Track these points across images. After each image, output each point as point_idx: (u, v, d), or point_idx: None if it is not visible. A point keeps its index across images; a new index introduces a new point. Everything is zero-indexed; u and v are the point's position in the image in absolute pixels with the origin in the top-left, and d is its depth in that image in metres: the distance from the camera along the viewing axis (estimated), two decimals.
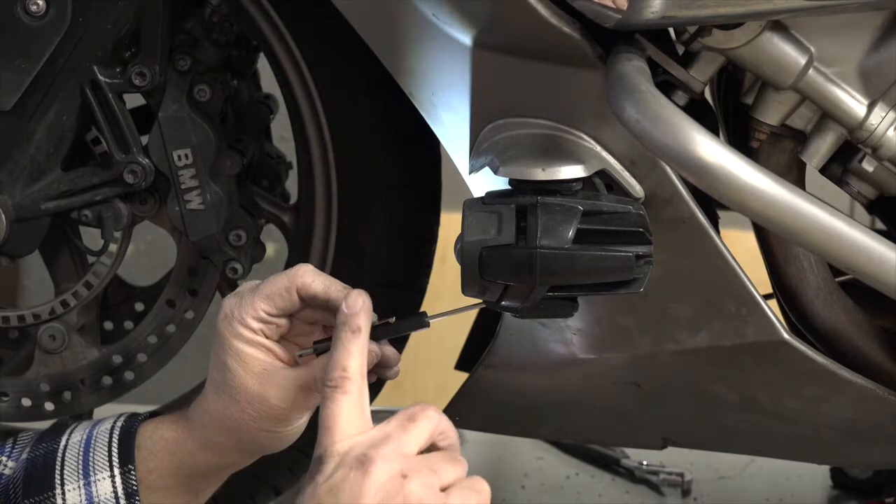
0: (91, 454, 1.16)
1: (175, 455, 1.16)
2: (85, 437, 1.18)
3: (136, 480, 1.15)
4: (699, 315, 1.25)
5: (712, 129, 1.16)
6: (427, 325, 1.16)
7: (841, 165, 1.23)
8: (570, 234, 1.09)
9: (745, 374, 1.29)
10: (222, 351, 1.14)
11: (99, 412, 1.46)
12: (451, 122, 1.25)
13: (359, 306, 1.08)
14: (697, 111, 1.17)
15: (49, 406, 1.49)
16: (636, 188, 1.19)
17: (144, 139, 1.40)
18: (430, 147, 1.41)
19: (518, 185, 1.15)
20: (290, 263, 1.46)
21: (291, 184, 1.54)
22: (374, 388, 1.45)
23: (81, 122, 1.38)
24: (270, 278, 1.15)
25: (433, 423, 1.05)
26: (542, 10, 1.12)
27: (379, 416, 1.96)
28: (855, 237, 1.10)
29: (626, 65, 1.11)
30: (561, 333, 1.31)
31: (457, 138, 1.25)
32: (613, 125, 1.13)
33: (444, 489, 1.01)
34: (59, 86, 1.35)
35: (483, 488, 1.03)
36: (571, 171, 1.15)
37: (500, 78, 1.19)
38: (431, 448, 1.05)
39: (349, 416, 1.04)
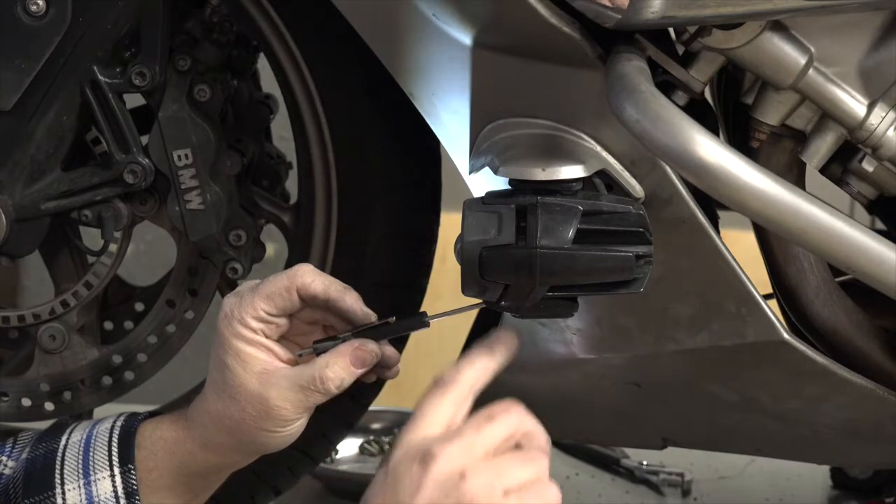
0: (91, 454, 1.16)
1: (175, 455, 1.16)
2: (85, 436, 1.18)
3: (136, 480, 1.15)
4: (699, 315, 1.25)
5: (712, 129, 1.16)
6: (427, 325, 1.17)
7: (841, 165, 1.23)
8: (570, 234, 1.09)
9: (745, 374, 1.29)
10: (222, 351, 1.14)
11: (99, 412, 1.46)
12: (451, 122, 1.25)
13: (506, 340, 1.09)
14: (697, 111, 1.17)
15: (49, 406, 1.49)
16: (636, 188, 1.19)
17: (144, 139, 1.40)
18: (430, 147, 1.41)
19: (518, 185, 1.15)
20: (290, 263, 1.46)
21: (291, 184, 1.54)
22: (374, 388, 1.45)
23: (81, 122, 1.38)
24: (270, 278, 1.15)
25: (513, 424, 1.03)
26: (542, 10, 1.12)
27: (383, 417, 1.96)
28: (855, 237, 1.10)
29: (626, 65, 1.10)
30: (561, 333, 1.31)
31: (457, 138, 1.25)
32: (613, 125, 1.12)
33: (508, 491, 0.99)
34: (59, 86, 1.35)
35: (549, 494, 1.01)
36: (571, 171, 1.15)
37: (500, 78, 1.19)
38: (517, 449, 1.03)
39: (440, 412, 1.03)
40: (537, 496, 1.00)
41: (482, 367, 1.07)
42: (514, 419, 1.03)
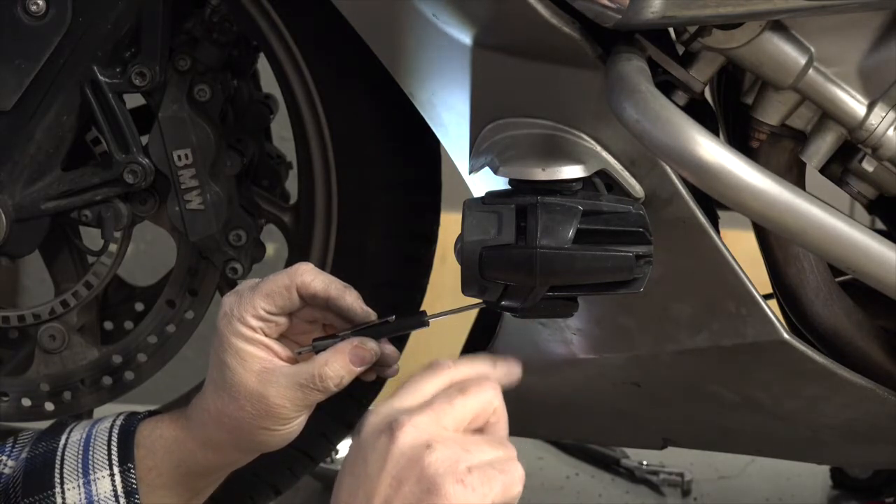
0: (90, 453, 1.16)
1: (174, 454, 1.16)
2: (84, 435, 1.18)
3: (135, 479, 1.15)
4: (699, 315, 1.25)
5: (712, 129, 1.16)
6: (427, 324, 1.17)
7: (841, 165, 1.23)
8: (570, 234, 1.09)
9: (745, 374, 1.29)
10: (221, 349, 1.14)
11: (99, 412, 1.46)
12: (451, 122, 1.25)
13: (511, 364, 1.09)
14: (697, 111, 1.17)
15: (49, 406, 1.49)
16: (636, 188, 1.19)
17: (144, 139, 1.40)
18: (430, 147, 1.41)
19: (518, 185, 1.15)
20: (289, 263, 1.46)
21: (291, 184, 1.54)
22: (375, 387, 1.45)
23: (81, 122, 1.38)
24: (270, 276, 1.15)
25: (484, 400, 1.02)
26: (542, 10, 1.12)
27: None
28: (855, 237, 1.10)
29: (626, 65, 1.10)
30: (561, 333, 1.31)
31: (457, 138, 1.25)
32: (613, 125, 1.13)
33: (472, 468, 0.97)
34: (59, 86, 1.35)
35: (512, 471, 0.99)
36: (571, 171, 1.15)
37: (500, 78, 1.19)
38: (484, 429, 1.02)
39: (420, 392, 1.02)
40: (500, 471, 0.98)
41: (478, 369, 1.06)
42: (487, 395, 1.02)
